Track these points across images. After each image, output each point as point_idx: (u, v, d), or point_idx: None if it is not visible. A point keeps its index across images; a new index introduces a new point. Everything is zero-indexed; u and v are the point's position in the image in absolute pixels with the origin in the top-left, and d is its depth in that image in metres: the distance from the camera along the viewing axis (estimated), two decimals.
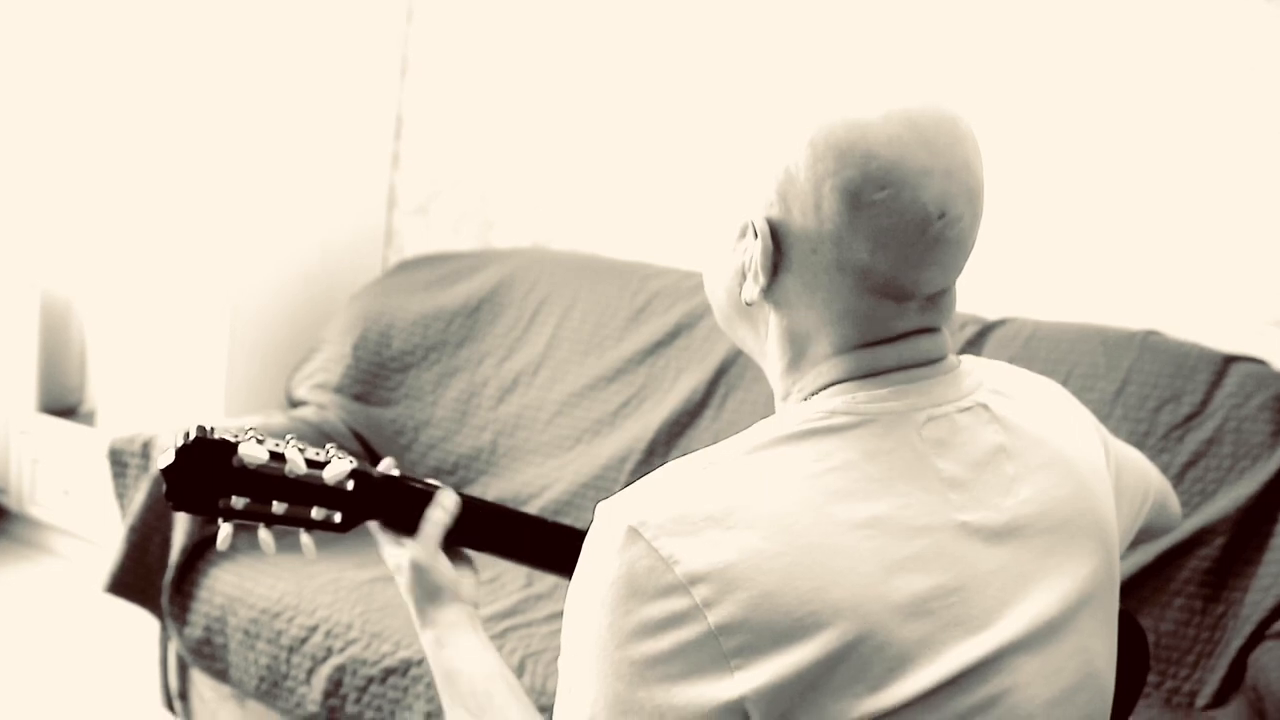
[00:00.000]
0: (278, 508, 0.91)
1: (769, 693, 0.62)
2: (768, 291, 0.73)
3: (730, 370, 2.06)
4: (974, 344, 1.92)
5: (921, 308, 0.72)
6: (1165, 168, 1.90)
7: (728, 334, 0.82)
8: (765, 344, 0.77)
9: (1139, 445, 1.77)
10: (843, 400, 0.70)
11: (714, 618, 0.62)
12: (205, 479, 0.87)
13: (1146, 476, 0.94)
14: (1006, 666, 0.67)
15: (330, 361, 2.24)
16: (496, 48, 2.42)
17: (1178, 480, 1.74)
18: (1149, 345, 1.83)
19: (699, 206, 2.27)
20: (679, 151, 2.27)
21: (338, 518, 0.94)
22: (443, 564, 0.93)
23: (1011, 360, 1.88)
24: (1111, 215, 1.94)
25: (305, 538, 0.94)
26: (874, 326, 0.71)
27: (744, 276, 0.74)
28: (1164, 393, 1.79)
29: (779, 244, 0.71)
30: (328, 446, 0.94)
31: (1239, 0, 1.80)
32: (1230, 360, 1.80)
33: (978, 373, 0.76)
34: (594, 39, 2.32)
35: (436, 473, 2.17)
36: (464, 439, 2.19)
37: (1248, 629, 1.64)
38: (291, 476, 0.90)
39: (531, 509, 2.08)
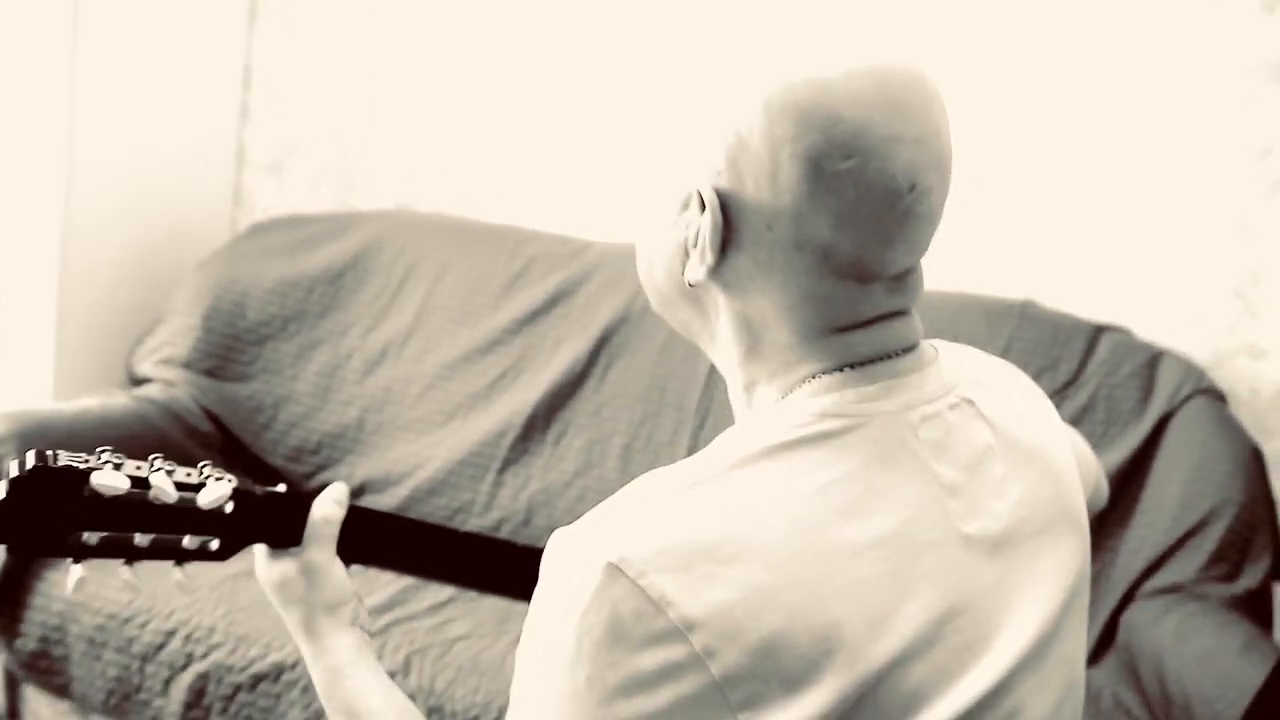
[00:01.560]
0: (142, 540, 0.79)
1: None
2: (715, 272, 0.64)
3: (613, 339, 1.99)
4: None
5: (888, 289, 0.64)
6: (1044, 146, 1.92)
7: (665, 317, 0.73)
8: (714, 329, 0.68)
9: None
10: (831, 400, 0.63)
11: (717, 668, 0.55)
12: (49, 514, 0.75)
13: (1090, 459, 0.91)
14: (1012, 687, 0.62)
15: (177, 334, 2.05)
16: None
17: None
18: (1027, 315, 1.86)
19: (577, 167, 2.18)
20: (557, 107, 2.17)
21: (215, 545, 0.82)
22: (340, 571, 0.83)
23: None
24: (989, 188, 1.95)
25: (177, 573, 0.83)
26: (837, 310, 0.64)
27: (687, 254, 0.65)
28: (1043, 361, 1.82)
29: (729, 218, 0.62)
30: (201, 465, 0.82)
31: None
32: (1100, 330, 1.84)
33: (953, 362, 0.70)
34: None
35: (299, 452, 2.03)
36: (328, 416, 2.06)
37: (1120, 589, 1.70)
38: (157, 503, 0.79)
39: (403, 489, 1.98)
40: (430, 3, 2.20)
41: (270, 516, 0.84)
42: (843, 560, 0.57)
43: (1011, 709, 0.62)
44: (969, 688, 0.60)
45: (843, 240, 0.61)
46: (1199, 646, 1.41)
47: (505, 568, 0.96)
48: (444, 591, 1.71)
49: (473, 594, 1.74)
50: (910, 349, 0.66)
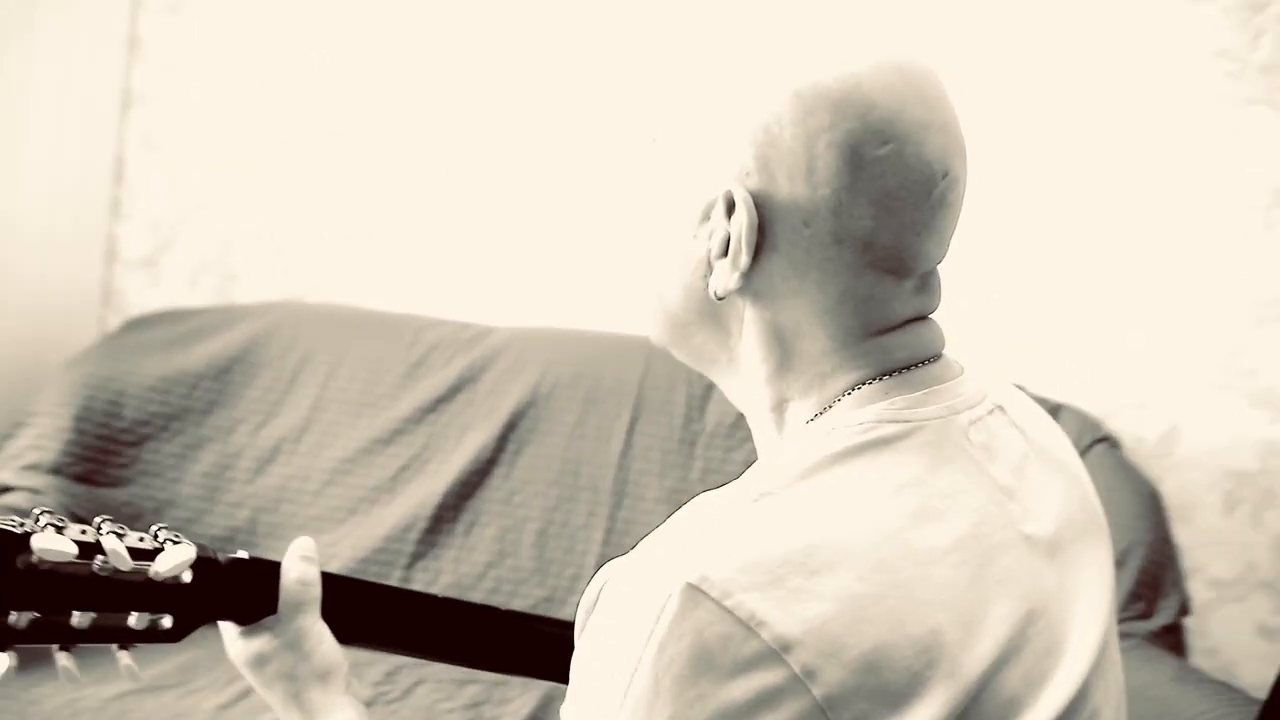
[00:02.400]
0: (80, 620, 0.69)
1: None
2: (744, 280, 0.62)
3: (521, 424, 1.94)
4: None
5: (916, 288, 0.64)
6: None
7: (673, 349, 0.70)
8: (737, 348, 0.65)
9: None
10: (879, 408, 0.60)
11: (819, 689, 0.50)
12: None
13: None
14: (1090, 691, 0.60)
15: (43, 438, 1.88)
16: (232, 78, 2.19)
17: None
18: None
19: (470, 250, 2.15)
20: (447, 192, 2.14)
21: (167, 623, 0.73)
22: (328, 635, 0.75)
23: None
24: None
25: (123, 658, 0.73)
26: (874, 310, 0.62)
27: (709, 266, 0.63)
28: None
29: (760, 220, 0.60)
30: (155, 529, 0.73)
31: None
32: None
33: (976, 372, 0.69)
34: (341, 64, 2.15)
35: None
36: (216, 519, 1.91)
37: None
38: (102, 574, 0.68)
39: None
40: (306, 88, 2.16)
41: (235, 586, 0.75)
42: (929, 565, 0.54)
43: (1092, 712, 0.60)
44: (1057, 692, 0.57)
45: (883, 230, 0.60)
46: (1135, 681, 1.43)
47: (528, 643, 0.88)
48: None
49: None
50: (938, 356, 0.66)
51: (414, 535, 1.87)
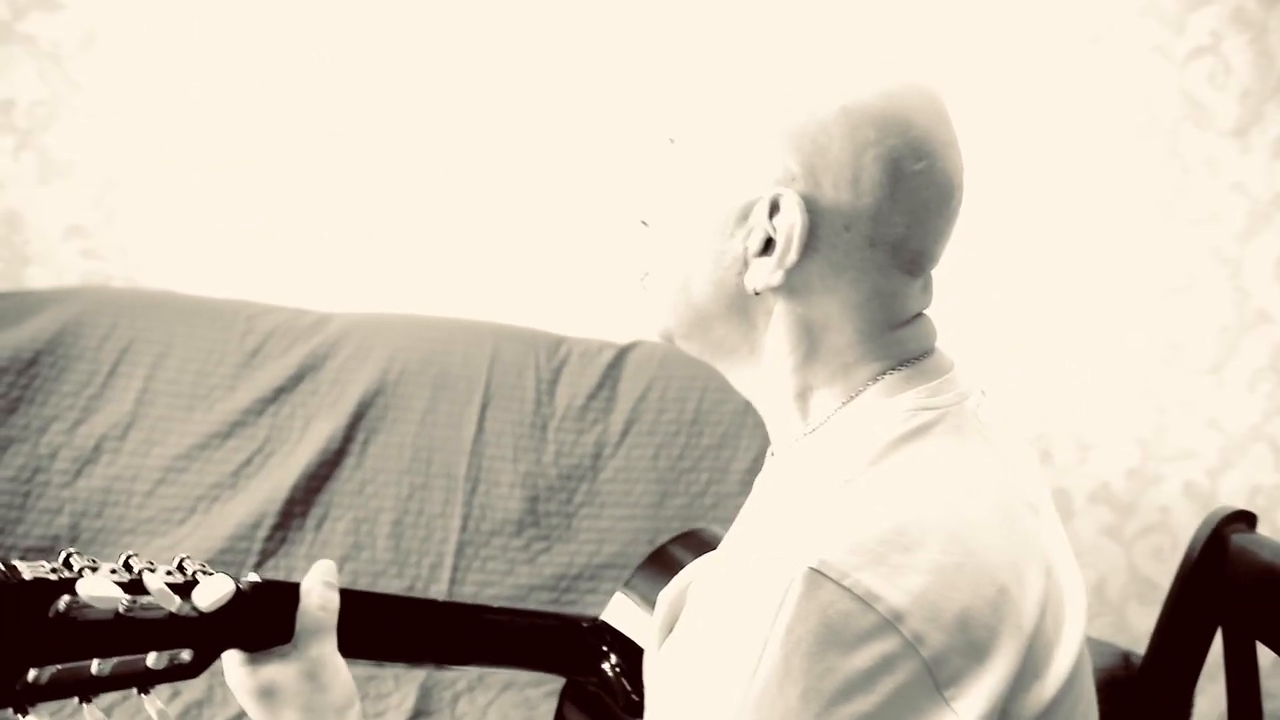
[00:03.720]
0: (101, 667, 0.65)
1: (988, 716, 0.58)
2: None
3: (369, 412, 1.90)
4: (615, 366, 1.98)
5: (923, 287, 0.72)
6: None
7: (684, 340, 0.75)
8: (761, 340, 0.71)
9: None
10: (910, 397, 0.68)
11: (927, 651, 0.57)
12: None
13: None
14: (1082, 646, 0.70)
15: None
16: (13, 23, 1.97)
17: None
18: None
19: (299, 234, 2.06)
20: (268, 167, 2.04)
21: (186, 656, 0.69)
22: (344, 666, 0.73)
23: (652, 379, 1.98)
24: None
25: (151, 704, 0.69)
26: (894, 307, 0.70)
27: (745, 264, 0.68)
28: None
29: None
30: (179, 559, 0.69)
31: None
32: None
33: None
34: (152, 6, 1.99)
35: None
36: (29, 528, 1.76)
37: None
38: (127, 615, 0.64)
39: None
40: (113, 38, 1.98)
41: (252, 612, 0.72)
42: (984, 533, 0.63)
43: (1085, 664, 0.71)
44: (1072, 629, 0.67)
45: (911, 236, 0.68)
46: None
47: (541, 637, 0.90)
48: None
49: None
50: (934, 348, 0.74)
51: (262, 532, 1.80)
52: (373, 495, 1.86)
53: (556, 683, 1.04)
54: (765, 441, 2.00)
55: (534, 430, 1.93)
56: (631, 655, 0.93)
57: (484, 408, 1.92)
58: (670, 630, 0.73)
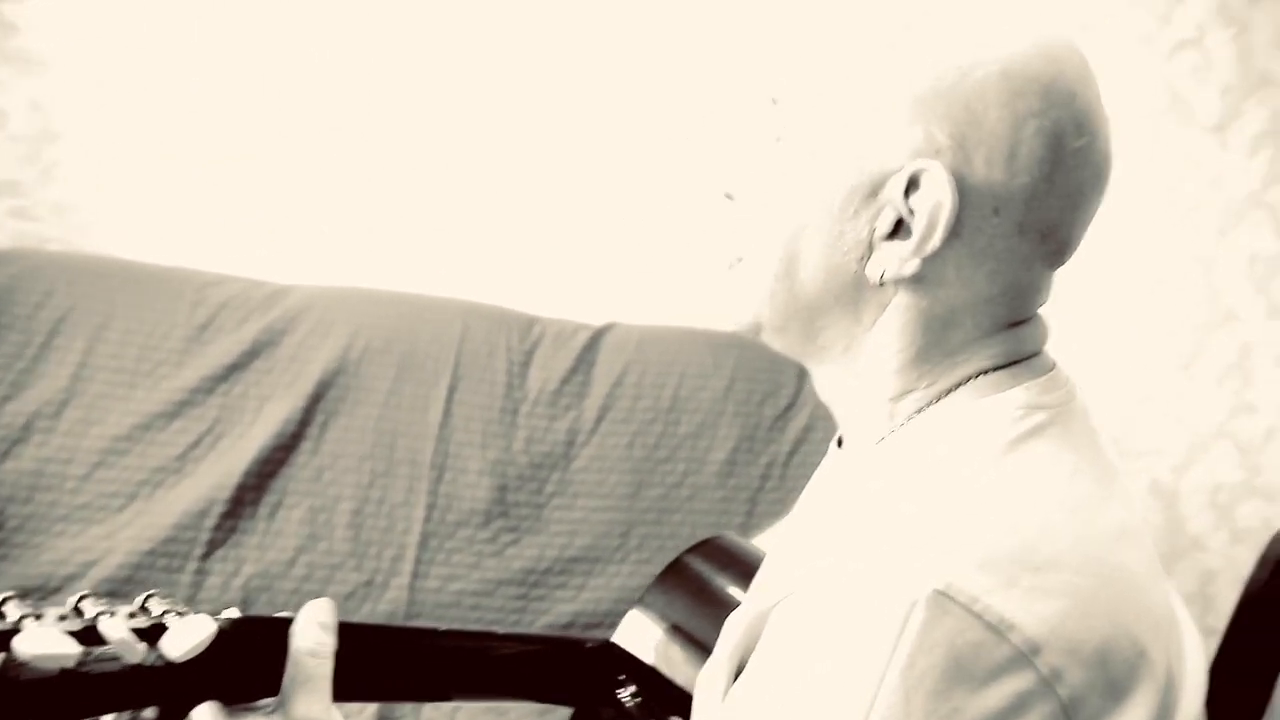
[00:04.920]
0: None
1: None
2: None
3: (329, 393, 1.78)
4: (590, 349, 1.89)
5: (1051, 281, 0.64)
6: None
7: (776, 334, 0.65)
8: (862, 336, 0.62)
9: (751, 437, 1.89)
10: (1019, 394, 0.59)
11: (1064, 690, 0.49)
12: None
13: None
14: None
15: None
16: None
17: (785, 465, 1.89)
18: (747, 345, 1.96)
19: (257, 201, 1.92)
20: (222, 130, 1.89)
21: (149, 716, 0.58)
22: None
23: (628, 364, 1.90)
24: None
25: None
26: (1023, 302, 0.61)
27: (869, 248, 0.59)
28: (765, 387, 1.93)
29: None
30: (144, 597, 0.56)
31: None
32: None
33: None
34: None
35: None
36: None
37: None
38: (82, 670, 0.52)
39: (75, 591, 1.57)
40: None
41: (231, 657, 0.58)
42: (1116, 553, 0.55)
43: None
44: (1195, 677, 0.61)
45: (1064, 223, 0.59)
46: None
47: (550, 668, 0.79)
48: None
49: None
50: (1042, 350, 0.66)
51: (210, 521, 1.67)
52: (331, 482, 1.74)
53: (552, 711, 0.93)
54: (744, 431, 1.95)
55: (504, 415, 1.83)
56: (653, 683, 0.82)
57: (451, 390, 1.81)
58: (742, 660, 0.62)
